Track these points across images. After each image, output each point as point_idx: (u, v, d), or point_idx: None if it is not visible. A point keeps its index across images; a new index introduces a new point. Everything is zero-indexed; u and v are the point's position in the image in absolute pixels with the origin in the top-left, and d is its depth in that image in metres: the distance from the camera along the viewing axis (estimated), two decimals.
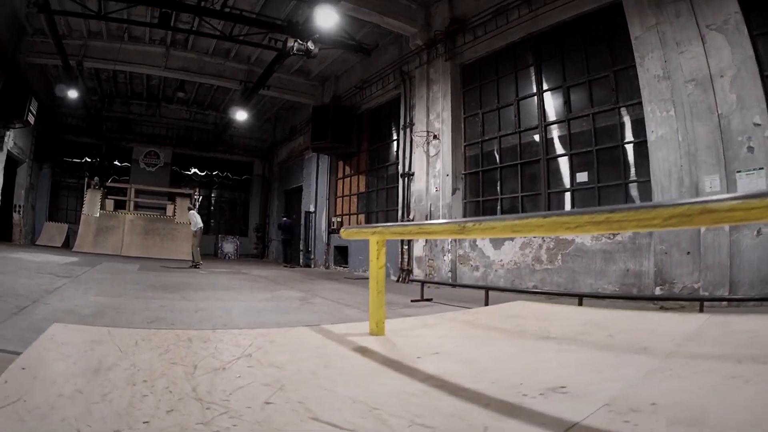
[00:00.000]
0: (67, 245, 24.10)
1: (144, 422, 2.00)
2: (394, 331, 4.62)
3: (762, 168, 7.81)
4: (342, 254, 20.63)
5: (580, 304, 7.61)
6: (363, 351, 3.71)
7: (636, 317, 5.48)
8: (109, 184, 26.14)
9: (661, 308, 8.09)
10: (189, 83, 24.66)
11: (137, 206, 26.11)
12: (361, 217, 20.04)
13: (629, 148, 10.33)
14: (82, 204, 24.51)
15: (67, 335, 3.66)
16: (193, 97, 28.02)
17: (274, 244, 28.10)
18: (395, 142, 17.57)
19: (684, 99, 8.80)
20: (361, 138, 20.26)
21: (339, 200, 21.98)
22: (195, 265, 18.04)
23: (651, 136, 9.34)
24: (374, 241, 4.64)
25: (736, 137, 8.11)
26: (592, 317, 5.39)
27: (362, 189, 20.21)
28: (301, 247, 23.70)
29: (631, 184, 10.25)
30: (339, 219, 21.39)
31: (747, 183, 7.95)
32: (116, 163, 28.90)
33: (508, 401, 2.44)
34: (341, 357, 3.55)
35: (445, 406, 2.39)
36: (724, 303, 7.73)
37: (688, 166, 8.66)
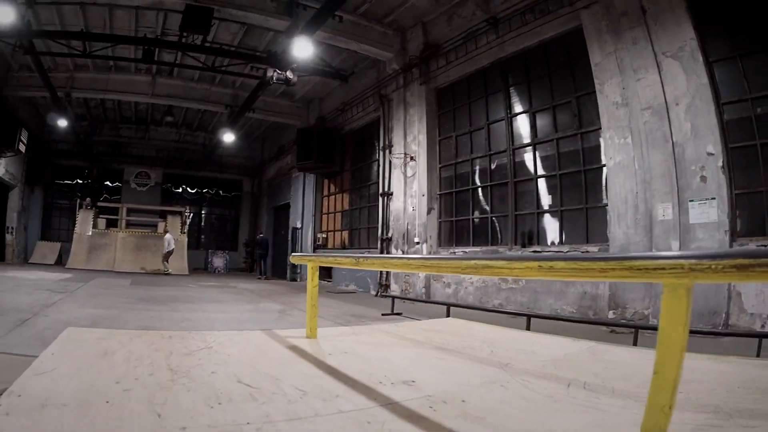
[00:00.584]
0: (60, 263, 24.18)
1: (135, 379, 3.17)
2: (326, 336, 5.55)
3: (714, 198, 7.79)
4: (326, 269, 20.34)
5: (528, 325, 7.63)
6: (292, 348, 4.70)
7: (528, 338, 6.03)
8: (100, 204, 26.25)
9: (612, 332, 8.13)
10: (177, 107, 24.72)
11: (129, 224, 26.26)
12: (345, 234, 20.03)
13: (590, 174, 10.31)
14: (75, 223, 24.70)
15: (79, 334, 4.78)
16: (182, 120, 28.02)
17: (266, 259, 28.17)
18: (376, 163, 17.55)
19: (640, 126, 8.79)
20: (344, 158, 20.29)
21: (324, 217, 21.96)
22: (166, 272, 22.40)
23: (609, 163, 9.36)
24: (310, 267, 5.62)
25: (689, 166, 8.11)
26: (494, 336, 5.98)
27: (346, 207, 20.20)
28: (288, 262, 23.73)
29: (591, 209, 10.23)
30: (324, 235, 21.40)
31: (699, 212, 7.97)
32: (107, 183, 29.22)
33: (366, 385, 3.40)
34: (275, 351, 4.60)
35: (323, 383, 3.42)
36: None
37: (643, 194, 8.66)
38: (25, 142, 20.47)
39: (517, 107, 12.23)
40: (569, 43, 10.74)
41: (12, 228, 23.84)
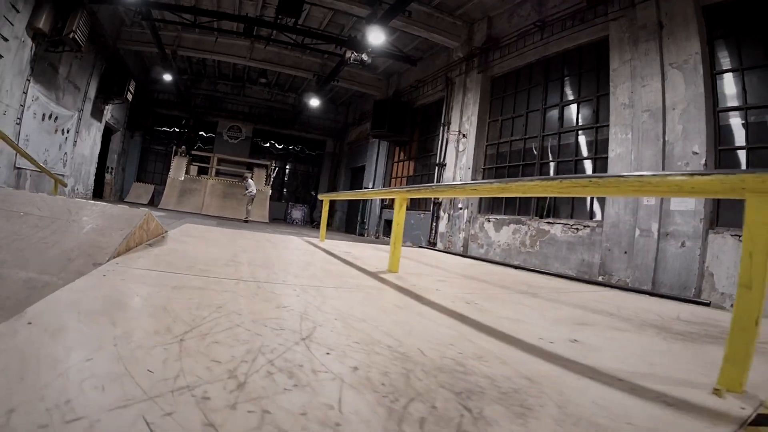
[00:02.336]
0: (152, 203, 26.36)
1: (223, 237, 7.54)
2: (331, 241, 9.58)
3: None
4: (390, 226, 22.07)
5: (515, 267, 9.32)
6: (308, 243, 8.55)
7: (459, 260, 9.40)
8: (194, 152, 28.17)
9: None
10: (270, 71, 26.54)
11: (218, 173, 28.05)
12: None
13: (599, 162, 11.52)
14: (169, 168, 26.70)
15: (192, 225, 8.69)
16: (275, 81, 29.73)
17: (338, 214, 29.90)
18: (437, 136, 18.87)
19: (639, 125, 9.93)
20: (414, 129, 21.76)
21: (393, 180, 23.52)
22: (245, 221, 21.97)
23: (611, 154, 10.55)
24: (325, 201, 9.43)
25: (676, 162, 9.14)
26: (438, 255, 9.77)
27: (411, 173, 21.73)
28: (358, 219, 25.62)
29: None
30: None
31: (679, 201, 9.02)
32: (202, 133, 31.15)
33: (329, 251, 7.37)
34: (298, 242, 8.58)
35: (309, 248, 7.91)
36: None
37: None
38: (133, 92, 22.44)
39: (551, 100, 13.45)
40: (599, 49, 11.81)
41: (112, 168, 26.10)
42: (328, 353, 2.15)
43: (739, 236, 8.11)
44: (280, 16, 16.46)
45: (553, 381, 2.17)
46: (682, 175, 2.48)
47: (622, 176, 2.73)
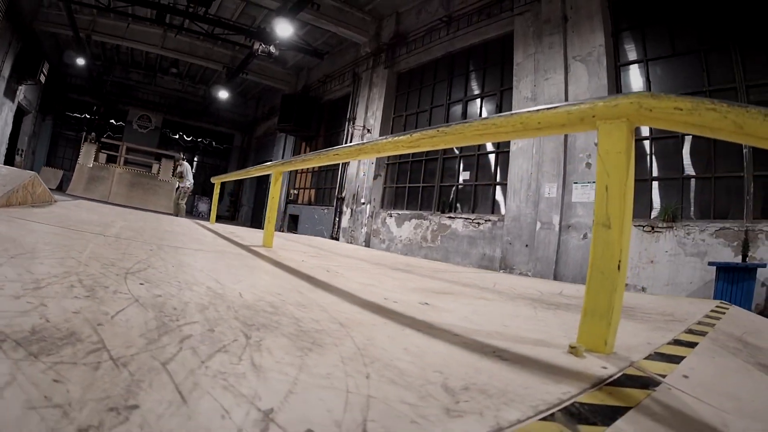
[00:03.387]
0: (60, 189, 23.89)
1: (113, 212, 6.88)
2: (222, 225, 8.97)
3: (594, 182, 8.47)
4: (294, 221, 20.97)
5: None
6: (197, 223, 7.74)
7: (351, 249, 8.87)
8: (104, 140, 25.99)
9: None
10: (182, 61, 24.73)
11: (127, 162, 26.10)
12: (312, 191, 20.45)
13: (501, 156, 10.88)
14: (78, 154, 24.46)
15: (86, 201, 8.38)
16: (186, 72, 27.83)
17: (244, 209, 28.51)
18: (344, 131, 17.77)
19: None
20: (321, 124, 20.57)
21: (298, 175, 22.18)
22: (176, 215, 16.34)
23: (513, 147, 9.83)
24: (216, 184, 8.48)
25: (578, 154, 8.57)
26: (337, 244, 9.09)
27: (316, 168, 20.33)
28: (264, 213, 24.43)
29: (498, 185, 10.84)
30: (296, 191, 21.71)
31: (581, 193, 8.51)
32: (112, 121, 28.63)
33: (217, 233, 6.16)
34: (192, 223, 7.65)
35: (194, 226, 6.81)
36: None
37: (536, 174, 9.16)
38: (46, 73, 20.53)
39: (455, 95, 12.72)
40: (504, 44, 11.16)
41: (22, 150, 23.55)
42: (141, 284, 2.05)
43: (643, 227, 7.70)
44: (192, 5, 15.19)
45: (369, 328, 1.88)
46: (528, 111, 2.15)
47: (467, 122, 2.50)
